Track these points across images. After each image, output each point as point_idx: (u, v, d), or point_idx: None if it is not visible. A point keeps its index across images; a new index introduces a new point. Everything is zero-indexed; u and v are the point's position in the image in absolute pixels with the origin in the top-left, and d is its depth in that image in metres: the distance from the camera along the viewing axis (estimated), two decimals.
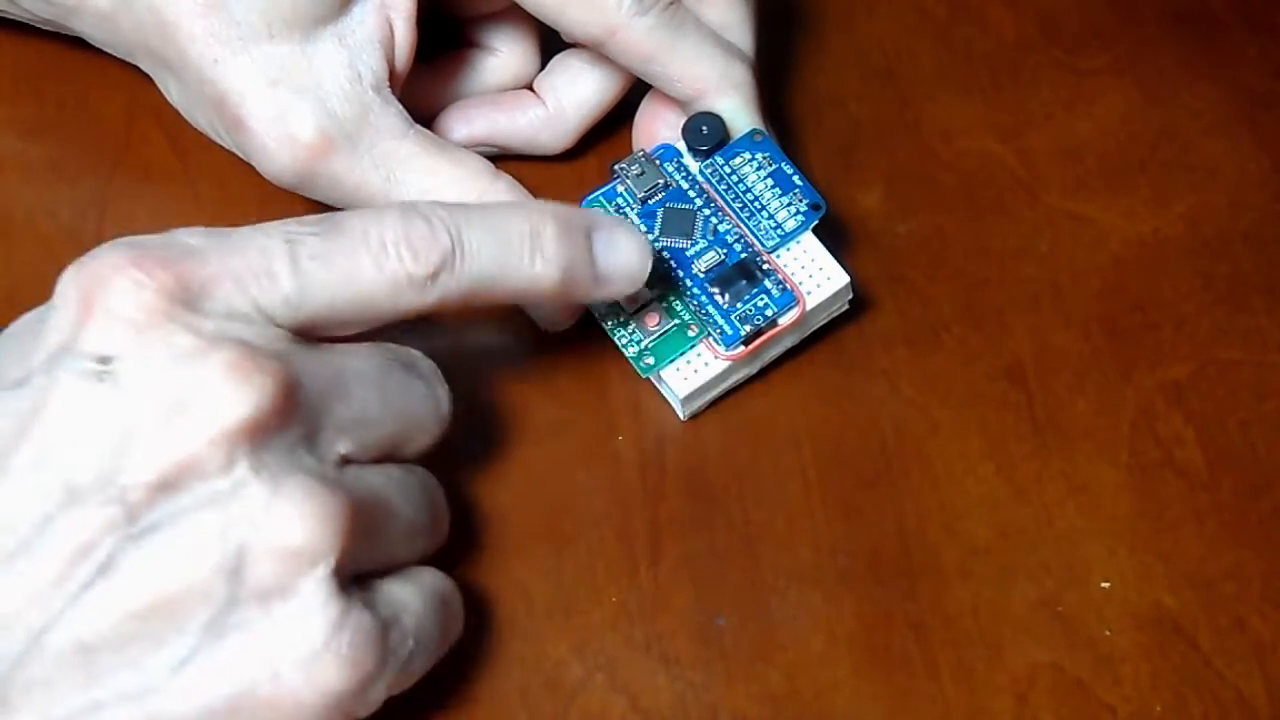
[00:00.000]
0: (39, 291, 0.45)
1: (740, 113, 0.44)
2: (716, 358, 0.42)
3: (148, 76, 0.45)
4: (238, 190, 0.45)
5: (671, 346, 0.42)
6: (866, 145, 0.48)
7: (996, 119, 0.48)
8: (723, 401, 0.44)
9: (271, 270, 0.36)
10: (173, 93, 0.45)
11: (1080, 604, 0.41)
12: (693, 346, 0.42)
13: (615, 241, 0.40)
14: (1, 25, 0.46)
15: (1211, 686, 0.40)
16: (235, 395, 0.34)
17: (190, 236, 0.36)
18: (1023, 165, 0.47)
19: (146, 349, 0.34)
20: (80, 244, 0.42)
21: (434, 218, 0.37)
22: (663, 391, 0.43)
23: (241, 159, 0.44)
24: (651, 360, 0.42)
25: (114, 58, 0.45)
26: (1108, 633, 0.41)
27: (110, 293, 0.34)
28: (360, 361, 0.37)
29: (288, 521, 0.34)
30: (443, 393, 0.39)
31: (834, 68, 0.49)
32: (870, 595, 0.41)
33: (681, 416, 0.43)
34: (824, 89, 0.49)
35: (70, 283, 0.35)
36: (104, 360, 0.34)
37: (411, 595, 0.37)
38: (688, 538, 0.42)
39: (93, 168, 0.46)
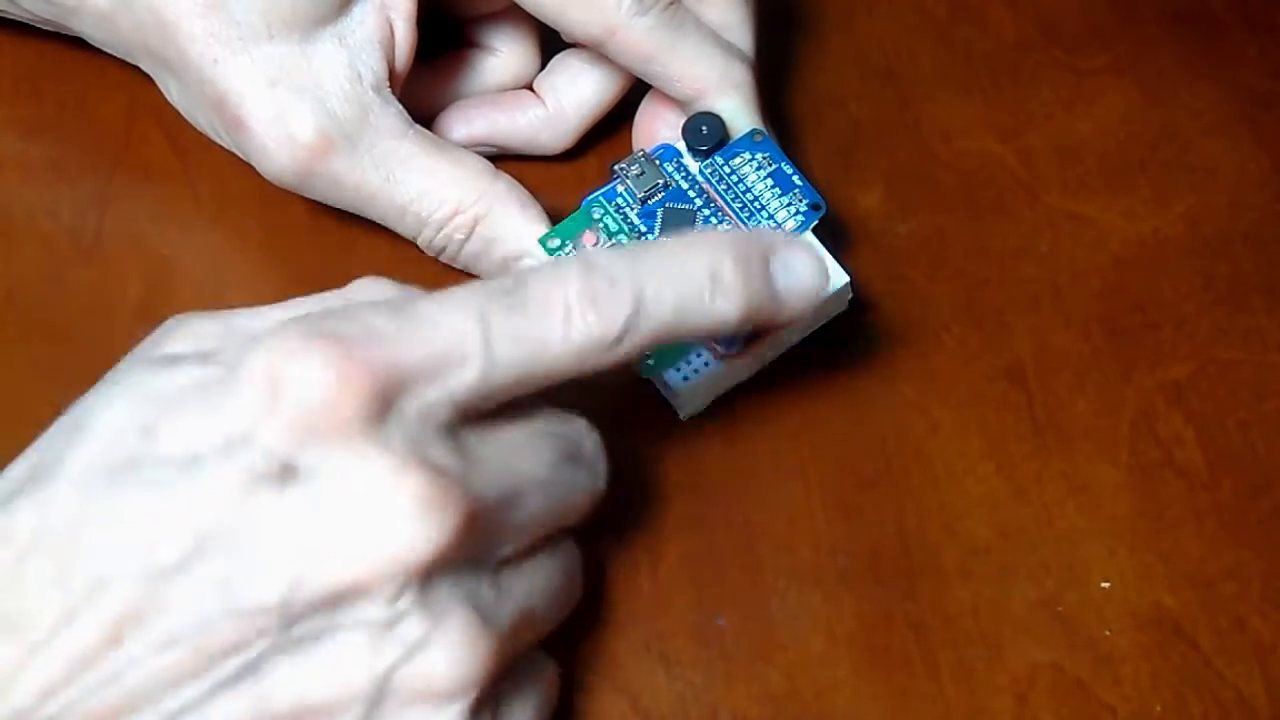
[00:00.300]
0: (39, 291, 0.45)
1: (740, 113, 0.44)
2: (716, 358, 0.42)
3: (148, 76, 0.45)
4: (238, 190, 0.45)
5: (671, 346, 0.42)
6: (866, 145, 0.48)
7: (996, 119, 0.48)
8: (722, 401, 0.44)
9: (464, 356, 0.34)
10: (173, 93, 0.45)
11: (1080, 604, 0.41)
12: (693, 347, 0.42)
13: (792, 264, 0.38)
14: (1, 25, 0.46)
15: (1211, 686, 0.40)
16: (419, 530, 0.32)
17: (379, 317, 0.34)
18: (1023, 165, 0.47)
19: (335, 461, 0.32)
20: (80, 244, 0.42)
21: (616, 274, 0.35)
22: (662, 391, 0.43)
23: (242, 159, 0.44)
24: (651, 360, 0.42)
25: (114, 58, 0.45)
26: (1108, 633, 0.41)
27: (303, 389, 0.32)
28: (534, 462, 0.36)
29: (440, 663, 0.33)
30: (602, 469, 0.38)
31: (834, 68, 0.49)
32: (870, 595, 0.41)
33: (681, 416, 0.43)
34: (824, 89, 0.49)
35: (261, 363, 0.33)
36: (288, 466, 0.32)
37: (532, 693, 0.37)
38: (688, 538, 0.42)
39: (93, 168, 0.46)
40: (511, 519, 0.35)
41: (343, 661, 0.33)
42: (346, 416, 0.32)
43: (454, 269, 0.44)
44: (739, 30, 0.45)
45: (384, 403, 0.33)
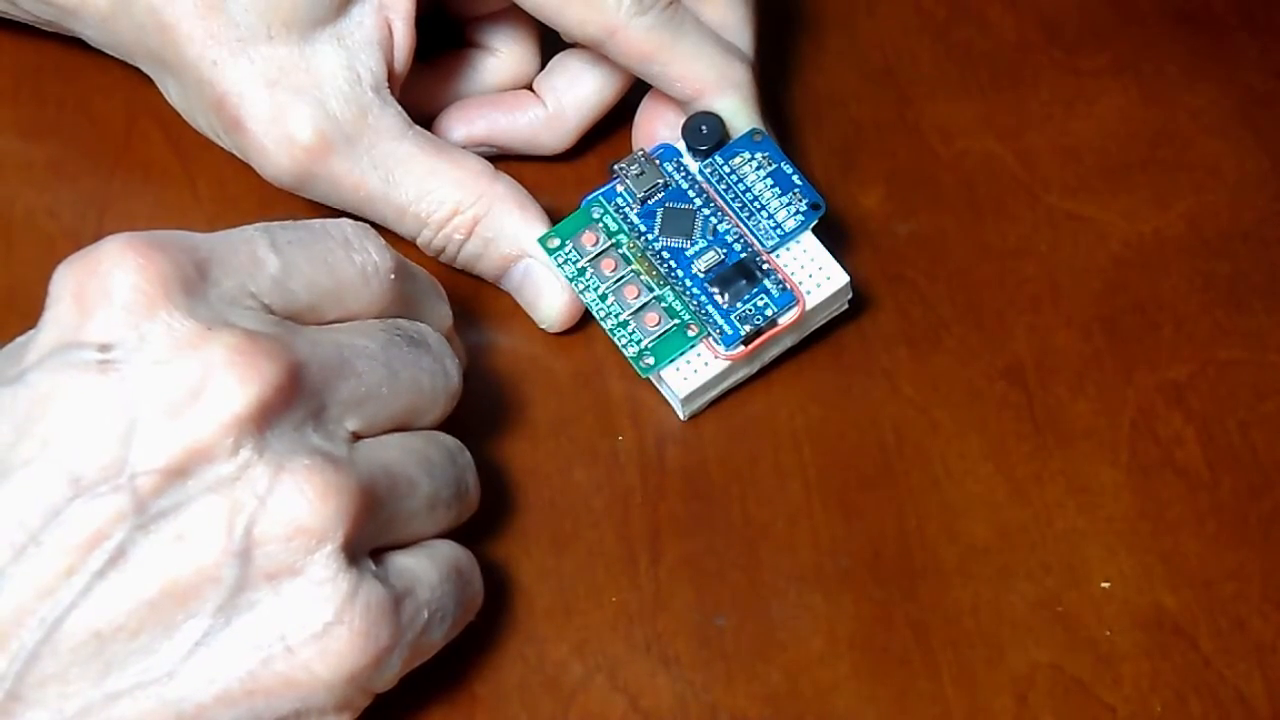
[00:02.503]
0: (39, 291, 0.45)
1: (739, 112, 0.44)
2: (716, 357, 0.42)
3: (148, 77, 0.45)
4: (238, 190, 0.45)
5: (671, 346, 0.42)
6: (866, 145, 0.48)
7: (996, 119, 0.48)
8: (723, 401, 0.44)
9: (256, 254, 0.36)
10: (172, 94, 0.45)
11: (1080, 604, 0.41)
12: (692, 346, 0.42)
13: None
14: (2, 26, 0.46)
15: (1211, 686, 0.40)
16: (239, 381, 0.34)
17: (191, 234, 0.36)
18: (1023, 165, 0.47)
19: (148, 337, 0.34)
20: (80, 244, 0.42)
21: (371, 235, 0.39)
22: (663, 391, 0.43)
23: (241, 159, 0.44)
24: (651, 360, 0.42)
25: (114, 58, 0.45)
26: (1108, 633, 0.41)
27: (108, 281, 0.34)
28: (363, 339, 0.37)
29: (293, 501, 0.34)
30: (452, 365, 0.39)
31: (834, 68, 0.49)
32: (870, 595, 0.41)
33: (681, 416, 0.43)
34: (824, 89, 0.49)
35: (65, 277, 0.35)
36: (105, 349, 0.34)
37: (426, 568, 0.37)
38: (688, 538, 0.42)
39: (93, 168, 0.46)
40: (347, 386, 0.36)
41: (202, 527, 0.34)
42: (151, 295, 0.34)
43: (454, 269, 0.44)
44: (738, 30, 0.45)
45: (189, 284, 0.35)
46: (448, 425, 0.39)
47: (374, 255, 0.38)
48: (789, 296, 0.42)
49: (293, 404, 0.35)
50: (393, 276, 0.38)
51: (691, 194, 0.44)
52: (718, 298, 0.42)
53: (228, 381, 0.34)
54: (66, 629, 0.33)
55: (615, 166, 0.44)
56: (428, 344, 0.39)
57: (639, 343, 0.42)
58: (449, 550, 0.38)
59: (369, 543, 0.36)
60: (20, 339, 0.36)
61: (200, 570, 0.34)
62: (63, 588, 0.33)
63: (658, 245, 0.43)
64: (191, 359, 0.34)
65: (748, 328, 0.42)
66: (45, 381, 0.34)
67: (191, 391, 0.34)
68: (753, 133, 0.44)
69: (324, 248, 0.37)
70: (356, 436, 0.37)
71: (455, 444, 0.39)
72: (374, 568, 0.36)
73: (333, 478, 0.35)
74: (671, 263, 0.43)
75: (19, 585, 0.33)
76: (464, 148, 0.45)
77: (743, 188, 0.43)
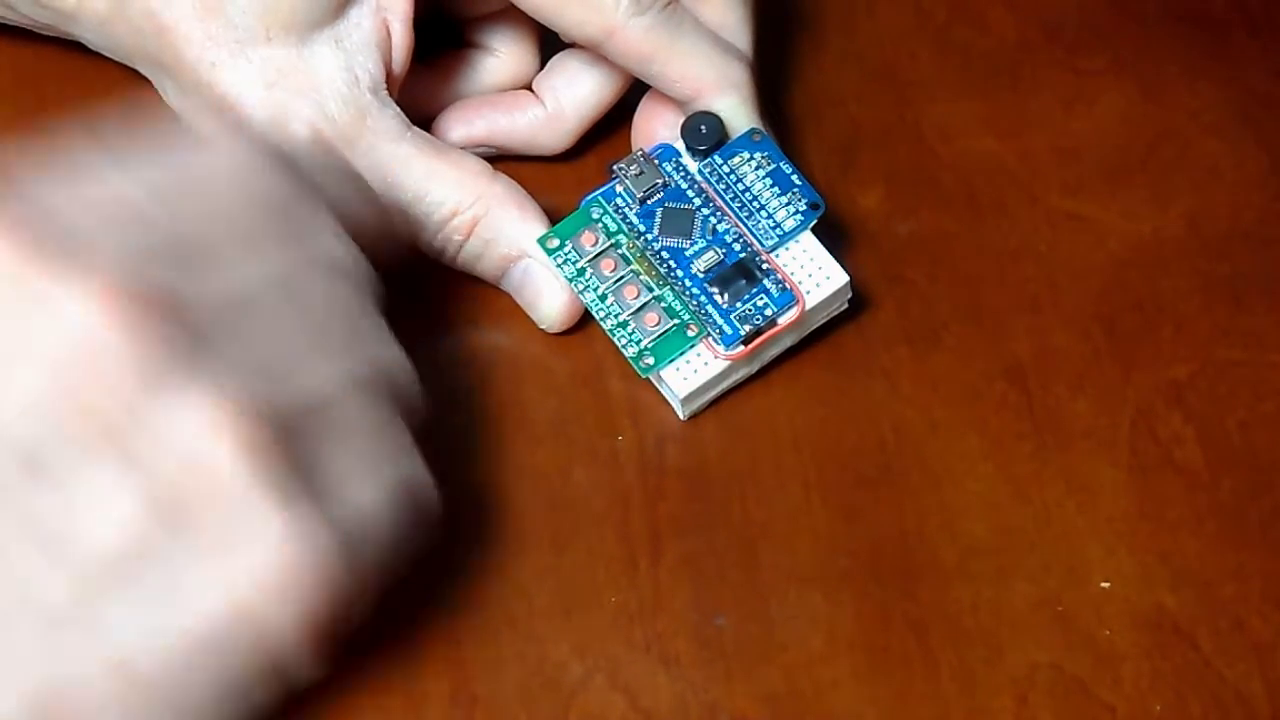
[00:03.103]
0: None
1: (738, 112, 0.44)
2: (716, 357, 0.42)
3: (147, 79, 0.45)
4: None
5: (671, 346, 0.42)
6: (866, 145, 0.48)
7: (996, 119, 0.48)
8: (722, 401, 0.44)
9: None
10: (170, 96, 0.45)
11: (1080, 604, 0.41)
12: (692, 346, 0.42)
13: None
14: (1, 29, 0.46)
15: (1211, 686, 0.40)
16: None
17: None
18: (1023, 165, 0.47)
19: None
20: None
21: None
22: (662, 391, 0.43)
23: None
24: (651, 360, 0.42)
25: (113, 60, 0.45)
26: (1108, 633, 0.41)
27: None
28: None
29: (203, 437, 0.33)
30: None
31: (834, 68, 0.49)
32: (870, 595, 0.41)
33: (681, 416, 0.43)
34: (824, 89, 0.49)
35: None
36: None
37: (371, 491, 0.36)
38: (688, 538, 0.42)
39: None
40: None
41: (106, 489, 0.32)
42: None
43: (454, 269, 0.44)
44: (737, 30, 0.45)
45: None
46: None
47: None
48: (788, 296, 0.42)
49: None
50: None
51: (691, 194, 0.44)
52: (717, 298, 0.42)
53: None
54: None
55: (614, 167, 0.44)
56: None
57: (639, 343, 0.42)
58: (394, 470, 0.36)
59: (307, 463, 0.34)
60: None
61: (125, 534, 0.33)
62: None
63: (657, 245, 0.43)
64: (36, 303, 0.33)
65: (747, 327, 0.42)
66: None
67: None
68: (752, 132, 0.44)
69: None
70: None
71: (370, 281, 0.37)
72: (317, 499, 0.34)
73: (239, 396, 0.33)
74: (671, 263, 0.43)
75: None
76: (463, 148, 0.45)
77: (742, 188, 0.43)
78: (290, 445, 0.34)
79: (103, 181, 0.35)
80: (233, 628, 0.33)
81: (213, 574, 0.33)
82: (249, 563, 0.33)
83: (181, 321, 0.33)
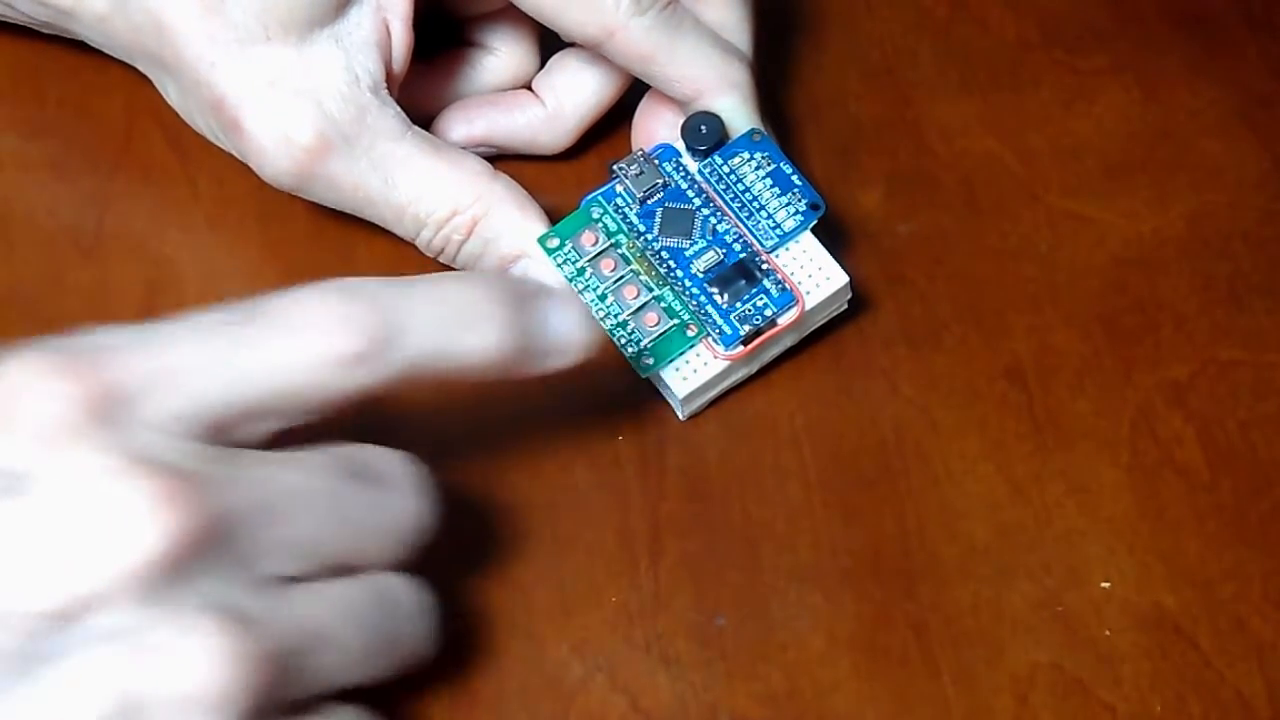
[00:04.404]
0: (39, 291, 0.45)
1: (738, 112, 0.44)
2: (716, 357, 0.42)
3: (148, 77, 0.45)
4: (237, 190, 0.45)
5: (671, 346, 0.42)
6: (866, 145, 0.48)
7: (996, 119, 0.48)
8: (722, 401, 0.44)
9: (195, 367, 0.33)
10: (171, 94, 0.45)
11: (1080, 604, 0.41)
12: (692, 346, 0.42)
13: (560, 313, 0.37)
14: (1, 26, 0.46)
15: (1211, 686, 0.40)
16: (150, 527, 0.31)
17: (112, 336, 0.33)
18: (1023, 165, 0.47)
19: (60, 467, 0.31)
20: (80, 243, 0.42)
21: (362, 293, 0.34)
22: (662, 391, 0.43)
23: (240, 160, 0.44)
24: (651, 360, 0.42)
25: (114, 58, 0.45)
26: (1108, 633, 0.41)
27: (26, 403, 0.32)
28: (305, 478, 0.34)
29: (192, 667, 0.31)
30: (419, 504, 0.36)
31: (834, 68, 0.49)
32: (870, 595, 0.41)
33: (681, 416, 0.43)
34: (824, 89, 0.49)
35: None
36: (13, 476, 0.31)
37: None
38: (688, 538, 0.42)
39: (93, 168, 0.46)
40: (276, 532, 0.33)
41: (85, 679, 0.30)
42: (69, 423, 0.32)
43: (454, 269, 0.44)
44: (737, 30, 0.45)
45: (108, 410, 0.32)
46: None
47: (340, 343, 0.34)
48: (788, 296, 0.42)
49: (207, 554, 0.32)
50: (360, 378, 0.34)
51: (691, 194, 0.44)
52: (717, 298, 0.42)
53: (137, 527, 0.31)
54: None
55: (614, 166, 0.44)
56: (386, 479, 0.35)
57: (638, 343, 0.42)
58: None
59: (275, 707, 0.32)
60: None
61: None
62: None
63: (657, 245, 0.43)
64: (103, 496, 0.31)
65: (747, 328, 0.42)
66: None
67: (95, 533, 0.31)
68: (752, 133, 0.44)
69: (280, 341, 0.34)
70: (292, 579, 0.33)
71: (407, 592, 0.36)
72: None
73: (238, 644, 0.31)
74: (671, 263, 0.43)
75: None
76: (463, 148, 0.45)
77: (742, 188, 0.43)
78: (283, 680, 0.32)
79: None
80: None
81: None
82: None
83: (216, 530, 0.32)
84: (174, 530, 0.31)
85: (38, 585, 0.31)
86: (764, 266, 0.43)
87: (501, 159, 0.46)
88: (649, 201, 0.44)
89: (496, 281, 0.37)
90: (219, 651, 0.31)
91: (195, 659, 0.31)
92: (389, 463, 0.35)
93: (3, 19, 0.46)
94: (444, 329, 0.35)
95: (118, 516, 0.31)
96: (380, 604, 0.35)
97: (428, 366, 0.35)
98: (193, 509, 0.32)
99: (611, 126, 0.47)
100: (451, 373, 0.36)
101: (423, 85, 0.46)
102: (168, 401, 0.33)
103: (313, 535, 0.34)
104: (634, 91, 0.46)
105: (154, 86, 0.45)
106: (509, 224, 0.43)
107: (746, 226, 0.43)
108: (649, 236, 0.43)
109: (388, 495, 0.35)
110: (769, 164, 0.44)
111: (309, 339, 0.34)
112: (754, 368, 0.44)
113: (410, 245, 0.44)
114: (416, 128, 0.43)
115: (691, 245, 0.43)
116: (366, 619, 0.35)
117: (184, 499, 0.31)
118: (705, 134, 0.43)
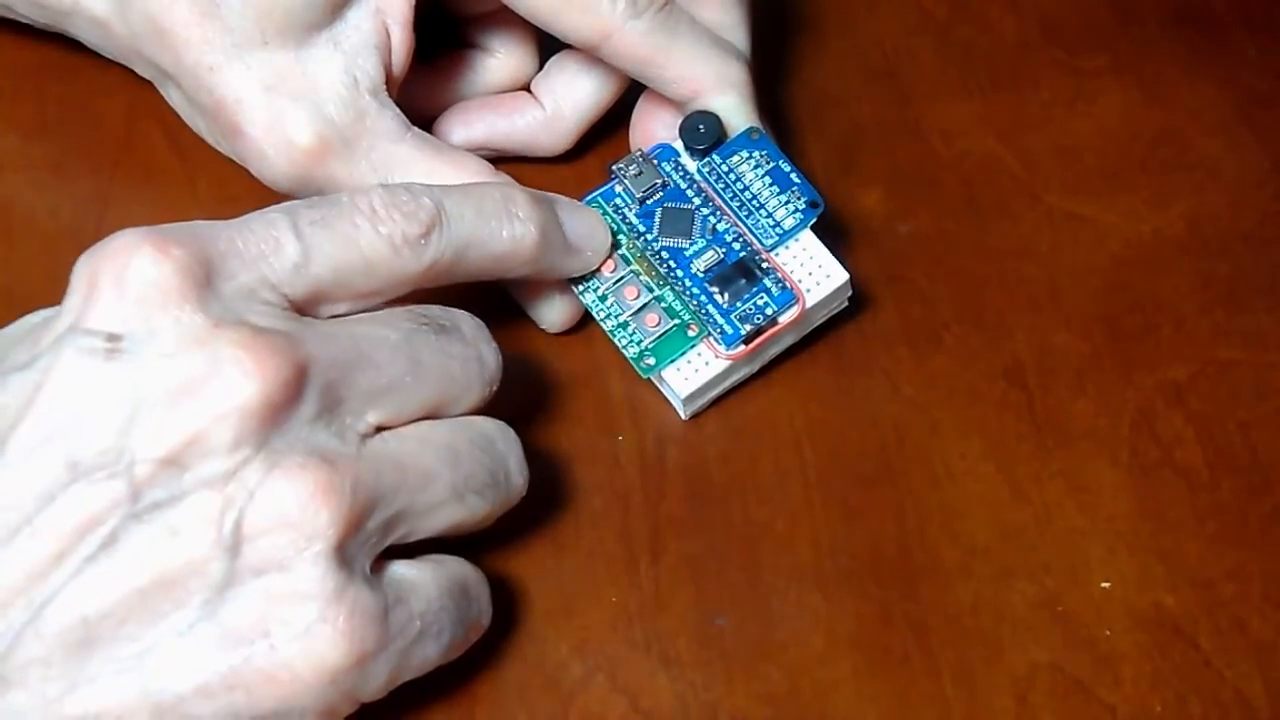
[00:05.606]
0: (39, 291, 0.45)
1: (737, 111, 0.44)
2: (717, 357, 0.42)
3: (148, 79, 0.45)
4: (238, 190, 0.45)
5: (672, 346, 0.42)
6: (866, 145, 0.48)
7: (996, 119, 0.48)
8: (723, 401, 0.44)
9: (278, 240, 0.36)
10: (173, 98, 0.45)
11: (1080, 604, 0.41)
12: (693, 346, 0.42)
13: (577, 213, 0.42)
14: (2, 26, 0.46)
15: (1211, 686, 0.40)
16: (243, 377, 0.34)
17: (199, 222, 0.37)
18: (1023, 165, 0.47)
19: (156, 327, 0.34)
20: (81, 243, 0.42)
21: (415, 187, 0.38)
22: (663, 391, 0.43)
23: (240, 164, 0.44)
24: (652, 360, 0.42)
25: (115, 60, 0.45)
26: (1108, 633, 0.41)
27: (123, 273, 0.35)
28: (383, 329, 0.37)
29: (283, 498, 0.34)
30: (487, 351, 0.39)
31: (834, 68, 0.49)
32: (870, 595, 0.41)
33: (682, 416, 0.43)
34: (824, 89, 0.49)
35: (83, 266, 0.35)
36: (113, 338, 0.34)
37: (426, 580, 0.37)
38: (688, 538, 0.42)
39: (93, 168, 0.46)
40: (365, 379, 0.36)
41: (194, 519, 0.34)
42: (165, 288, 0.35)
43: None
44: (735, 29, 0.45)
45: (202, 277, 0.35)
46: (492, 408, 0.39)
47: (401, 225, 0.38)
48: (789, 295, 0.42)
49: (298, 401, 0.35)
50: (430, 251, 0.38)
51: (690, 194, 0.44)
52: (717, 297, 0.42)
53: (232, 377, 0.34)
54: (53, 613, 0.33)
55: (613, 167, 0.44)
56: (459, 330, 0.38)
57: (639, 343, 0.42)
58: (457, 567, 0.38)
59: (373, 540, 0.36)
60: (37, 317, 0.36)
61: (189, 563, 0.34)
62: (53, 572, 0.33)
63: (657, 245, 0.43)
64: (197, 354, 0.34)
65: (748, 327, 0.42)
66: (52, 367, 0.34)
67: (194, 386, 0.34)
68: (750, 131, 0.44)
69: (349, 224, 0.37)
70: (382, 427, 0.37)
71: (495, 428, 0.39)
72: (367, 572, 0.36)
73: (327, 477, 0.34)
74: (671, 263, 0.43)
75: (8, 567, 0.33)
76: (463, 150, 0.45)
77: (741, 186, 0.43)
78: (375, 513, 0.35)
79: None
80: (260, 670, 0.34)
81: (256, 617, 0.34)
82: (294, 614, 0.34)
83: (304, 378, 0.35)
84: (269, 381, 0.34)
85: (148, 436, 0.34)
86: (764, 265, 0.43)
87: (501, 160, 0.46)
88: (648, 201, 0.44)
89: (520, 188, 0.41)
90: (308, 482, 0.34)
91: (284, 492, 0.34)
92: (459, 316, 0.39)
93: (3, 16, 0.46)
94: (482, 219, 0.39)
95: (219, 371, 0.34)
96: (473, 437, 0.38)
97: (474, 252, 0.39)
98: (285, 360, 0.35)
99: (610, 127, 0.47)
100: (488, 264, 0.40)
101: (422, 87, 0.46)
102: (258, 272, 0.36)
103: (398, 380, 0.37)
104: (633, 92, 0.46)
105: (154, 88, 0.45)
106: None
107: (746, 225, 0.43)
108: (649, 236, 0.43)
109: (462, 343, 0.38)
110: (768, 162, 0.44)
111: (378, 221, 0.37)
112: (755, 367, 0.44)
113: None
114: (416, 129, 0.43)
115: (691, 245, 0.43)
116: (459, 454, 0.38)
117: (277, 352, 0.35)
118: (703, 133, 0.43)
